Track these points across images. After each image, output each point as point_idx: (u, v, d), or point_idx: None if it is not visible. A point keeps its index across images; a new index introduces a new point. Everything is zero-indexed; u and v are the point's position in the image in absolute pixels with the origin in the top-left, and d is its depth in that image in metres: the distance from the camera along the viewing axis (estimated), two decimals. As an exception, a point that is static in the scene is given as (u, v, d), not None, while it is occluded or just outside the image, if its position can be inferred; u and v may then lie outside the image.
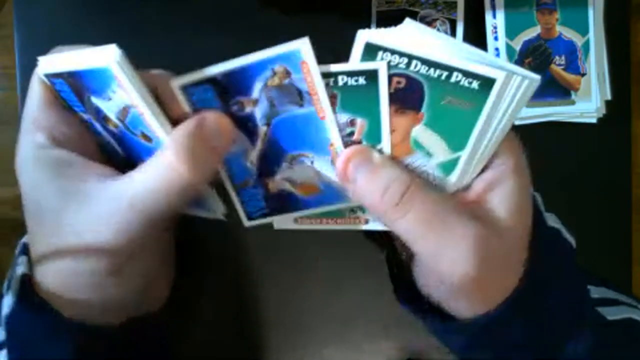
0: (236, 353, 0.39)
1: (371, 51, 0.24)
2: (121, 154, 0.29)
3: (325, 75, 0.25)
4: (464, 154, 0.26)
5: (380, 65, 0.24)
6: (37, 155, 0.27)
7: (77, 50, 0.26)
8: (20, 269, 0.27)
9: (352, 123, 0.26)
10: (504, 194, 0.26)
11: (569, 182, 0.40)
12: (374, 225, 0.29)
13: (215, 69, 0.25)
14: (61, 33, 0.39)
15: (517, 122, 0.40)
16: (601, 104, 0.39)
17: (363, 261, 0.39)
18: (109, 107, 0.26)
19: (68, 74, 0.26)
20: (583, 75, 0.39)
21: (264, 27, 0.39)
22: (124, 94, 0.25)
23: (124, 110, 0.26)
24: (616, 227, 0.40)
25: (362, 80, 0.25)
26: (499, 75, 0.24)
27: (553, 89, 0.39)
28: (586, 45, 0.39)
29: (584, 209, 0.40)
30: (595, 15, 0.39)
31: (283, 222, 0.30)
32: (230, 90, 0.26)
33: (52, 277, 0.26)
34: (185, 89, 0.26)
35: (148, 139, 0.26)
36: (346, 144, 0.26)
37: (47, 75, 0.27)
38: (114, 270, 0.26)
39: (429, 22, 0.40)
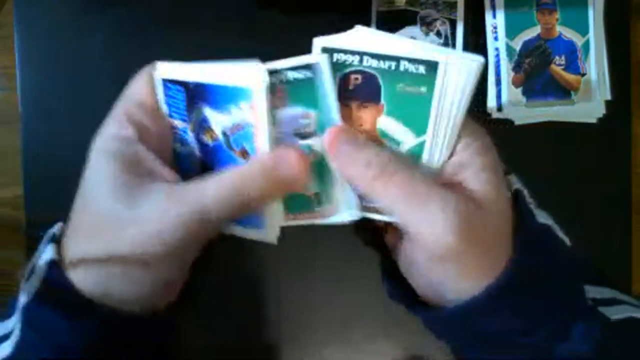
0: (236, 353, 0.39)
1: (327, 54, 0.27)
2: (197, 166, 0.31)
3: (273, 72, 0.27)
4: (427, 137, 0.28)
5: (320, 58, 0.27)
6: (117, 146, 0.28)
7: (212, 64, 0.28)
8: (48, 255, 0.28)
9: (306, 116, 0.28)
10: (474, 172, 0.27)
11: (569, 182, 0.40)
12: (340, 217, 0.30)
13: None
14: (61, 33, 0.39)
15: (517, 122, 0.40)
16: (601, 104, 0.39)
17: (363, 261, 0.39)
18: (221, 121, 0.28)
19: (195, 83, 0.28)
20: (583, 75, 0.39)
21: (264, 27, 0.39)
22: (249, 113, 0.27)
23: (237, 127, 0.28)
24: (616, 227, 0.40)
25: (308, 74, 0.27)
26: (440, 58, 0.26)
27: (553, 89, 0.39)
28: (586, 45, 0.39)
29: (584, 209, 0.40)
30: (595, 15, 0.39)
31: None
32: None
33: (80, 273, 0.27)
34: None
35: (246, 155, 0.28)
36: (302, 135, 0.28)
37: (166, 80, 0.29)
38: (146, 272, 0.27)
39: (429, 22, 0.40)
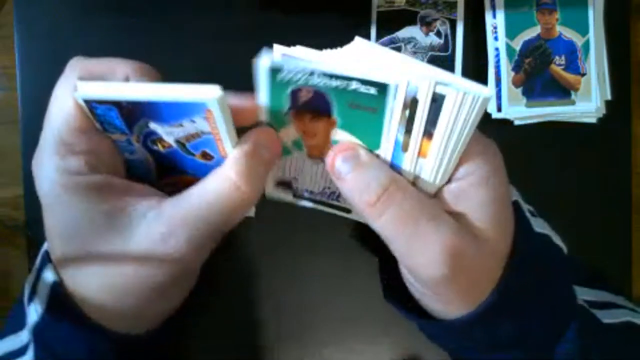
0: (236, 353, 0.39)
1: (275, 73, 0.26)
2: (153, 170, 0.30)
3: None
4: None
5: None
6: (73, 181, 0.25)
7: (146, 83, 0.27)
8: (50, 277, 0.27)
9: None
10: (473, 205, 0.26)
11: (569, 182, 0.40)
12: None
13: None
14: (61, 33, 0.39)
15: (517, 122, 0.40)
16: (601, 104, 0.39)
17: (363, 261, 0.39)
18: (172, 132, 0.27)
19: (132, 102, 0.26)
20: (583, 75, 0.39)
21: (264, 27, 0.39)
22: (204, 125, 0.26)
23: (193, 136, 0.27)
24: (616, 227, 0.40)
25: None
26: (390, 81, 0.25)
27: (553, 89, 0.39)
28: (586, 45, 0.39)
29: (583, 209, 0.40)
30: (595, 15, 0.39)
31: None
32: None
33: (87, 300, 0.26)
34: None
35: (208, 157, 0.28)
36: None
37: (90, 101, 0.26)
38: (163, 289, 0.26)
39: (429, 22, 0.40)
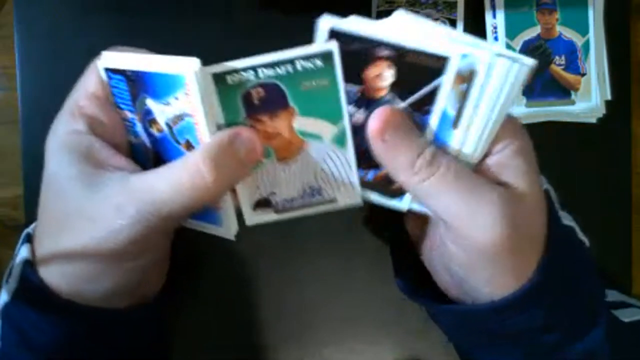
0: (236, 353, 0.39)
1: (220, 79, 0.26)
2: (151, 158, 0.30)
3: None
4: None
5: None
6: (71, 139, 0.27)
7: (149, 54, 0.28)
8: (23, 255, 0.28)
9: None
10: (516, 173, 0.27)
11: (569, 182, 0.40)
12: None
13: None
14: (61, 33, 0.39)
15: (517, 122, 0.40)
16: (601, 104, 0.39)
17: (363, 261, 0.39)
18: (163, 112, 0.27)
19: (132, 72, 0.27)
20: (583, 75, 0.39)
21: (264, 27, 0.39)
22: (186, 103, 0.26)
23: (178, 118, 0.27)
24: (616, 227, 0.40)
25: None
26: (333, 47, 0.26)
27: (553, 89, 0.39)
28: (586, 45, 0.39)
29: (583, 209, 0.40)
30: (595, 15, 0.39)
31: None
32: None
33: (52, 271, 0.27)
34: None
35: (190, 148, 0.27)
36: None
37: (107, 70, 0.28)
38: (113, 266, 0.26)
39: (429, 22, 0.40)
